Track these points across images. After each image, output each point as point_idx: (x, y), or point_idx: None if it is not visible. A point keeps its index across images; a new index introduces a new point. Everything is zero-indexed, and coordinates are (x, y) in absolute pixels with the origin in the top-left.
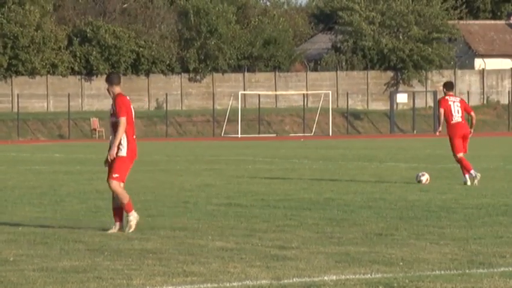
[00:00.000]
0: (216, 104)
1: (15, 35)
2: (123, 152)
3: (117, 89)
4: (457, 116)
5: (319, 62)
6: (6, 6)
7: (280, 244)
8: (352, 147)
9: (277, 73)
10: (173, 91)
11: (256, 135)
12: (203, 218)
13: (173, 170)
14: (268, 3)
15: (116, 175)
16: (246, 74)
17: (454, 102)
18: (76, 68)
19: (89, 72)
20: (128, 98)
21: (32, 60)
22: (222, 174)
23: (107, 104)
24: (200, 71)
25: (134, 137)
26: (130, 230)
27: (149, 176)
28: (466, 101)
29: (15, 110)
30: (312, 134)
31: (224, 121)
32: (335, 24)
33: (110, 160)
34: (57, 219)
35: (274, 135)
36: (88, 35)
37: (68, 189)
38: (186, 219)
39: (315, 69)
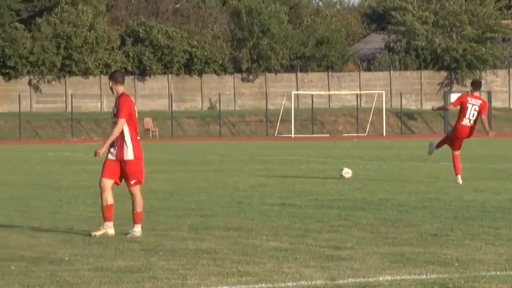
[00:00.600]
0: (269, 104)
1: (69, 35)
2: (130, 156)
3: (120, 88)
4: (468, 120)
5: (372, 62)
6: (60, 7)
7: (334, 244)
8: (406, 147)
9: (330, 73)
10: (226, 91)
11: (310, 135)
12: (257, 218)
13: (227, 170)
14: (320, 3)
15: (134, 181)
16: (298, 74)
17: (473, 105)
18: (129, 68)
19: (142, 72)
20: (131, 98)
21: (85, 60)
22: (275, 174)
23: (160, 104)
24: (253, 71)
25: (138, 138)
26: (131, 236)
27: (203, 176)
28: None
29: (69, 110)
30: (366, 134)
31: (277, 121)
32: (388, 24)
33: (95, 156)
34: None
35: (328, 135)
36: (141, 35)
37: (122, 189)
38: (240, 219)
39: (368, 69)
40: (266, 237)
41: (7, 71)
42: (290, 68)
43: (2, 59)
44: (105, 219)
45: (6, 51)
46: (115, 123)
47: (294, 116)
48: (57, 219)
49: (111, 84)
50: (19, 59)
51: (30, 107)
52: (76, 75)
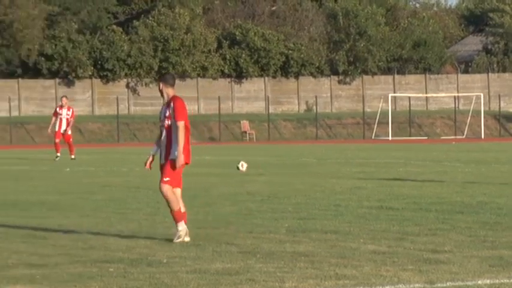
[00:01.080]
0: (366, 106)
1: (166, 38)
2: (174, 155)
3: (171, 91)
4: None
5: (470, 64)
6: (157, 9)
7: (432, 248)
8: (505, 149)
9: (427, 75)
10: (323, 93)
11: (407, 138)
12: (354, 221)
13: (324, 173)
14: (417, 5)
15: (167, 179)
16: (395, 76)
17: None
18: (226, 71)
19: (239, 74)
20: (183, 100)
21: (182, 63)
22: (373, 176)
23: (257, 107)
24: (349, 73)
25: (189, 143)
26: (178, 240)
27: (300, 179)
28: None
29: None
30: (464, 136)
31: (374, 123)
32: (486, 26)
33: (178, 168)
34: (209, 221)
35: (425, 137)
36: (237, 37)
37: (219, 191)
38: (338, 222)
39: (466, 71)
40: (364, 240)
41: (105, 73)
42: (387, 70)
43: (100, 62)
44: (176, 221)
45: (104, 54)
46: (168, 126)
47: (391, 118)
48: (156, 221)
49: (161, 86)
50: (117, 61)
51: (128, 110)
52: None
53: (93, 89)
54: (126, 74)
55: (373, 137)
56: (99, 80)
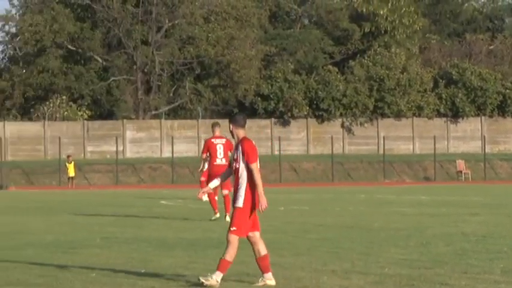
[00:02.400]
0: None
1: (381, 77)
2: (240, 203)
3: (241, 132)
4: None
5: None
6: (372, 49)
7: None
8: None
9: None
10: None
11: None
12: None
13: None
14: None
15: (234, 228)
16: None
17: None
18: (441, 110)
19: (455, 114)
20: (253, 142)
21: (398, 102)
22: None
23: (473, 146)
24: None
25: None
26: (205, 282)
27: None
28: None
29: (381, 152)
30: None
31: None
32: None
33: (261, 212)
34: (423, 261)
35: None
36: (454, 77)
37: (434, 231)
38: None
39: None
40: None
41: (320, 113)
42: None
43: (315, 102)
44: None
45: (320, 94)
46: (237, 169)
47: None
48: (369, 261)
49: (231, 127)
50: (332, 101)
51: (343, 149)
52: (388, 117)
53: (308, 129)
54: (341, 114)
55: None
56: (314, 119)
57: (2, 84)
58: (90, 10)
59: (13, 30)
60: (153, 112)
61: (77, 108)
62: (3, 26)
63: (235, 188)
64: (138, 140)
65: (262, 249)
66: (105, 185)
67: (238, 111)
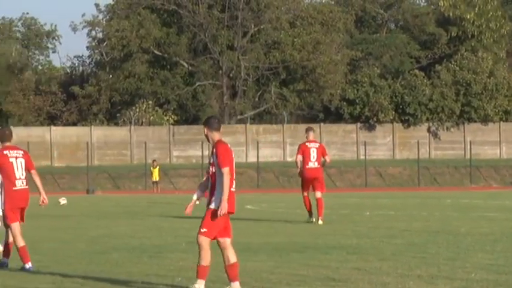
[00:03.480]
0: None
1: (468, 82)
2: (214, 205)
3: (216, 135)
4: None
5: None
6: (459, 54)
7: None
8: None
9: None
10: None
11: None
12: None
13: None
14: None
15: (204, 230)
16: None
17: None
18: None
19: None
20: (228, 145)
21: (485, 107)
22: None
23: None
24: None
25: (233, 189)
26: None
27: None
28: None
29: (467, 156)
30: None
31: None
32: None
33: (220, 216)
34: (509, 266)
35: None
36: None
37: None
38: None
39: None
40: None
41: (406, 117)
42: None
43: (401, 106)
44: (198, 276)
45: (406, 99)
46: (211, 174)
47: None
48: (455, 266)
49: (206, 131)
50: (418, 106)
51: (429, 154)
52: (475, 121)
53: (394, 133)
54: (427, 118)
55: None
56: (400, 124)
57: (88, 90)
58: (176, 15)
59: (100, 35)
60: (239, 117)
61: (163, 113)
62: (90, 31)
63: (211, 190)
64: None
65: (232, 257)
66: (190, 190)
67: (323, 115)
